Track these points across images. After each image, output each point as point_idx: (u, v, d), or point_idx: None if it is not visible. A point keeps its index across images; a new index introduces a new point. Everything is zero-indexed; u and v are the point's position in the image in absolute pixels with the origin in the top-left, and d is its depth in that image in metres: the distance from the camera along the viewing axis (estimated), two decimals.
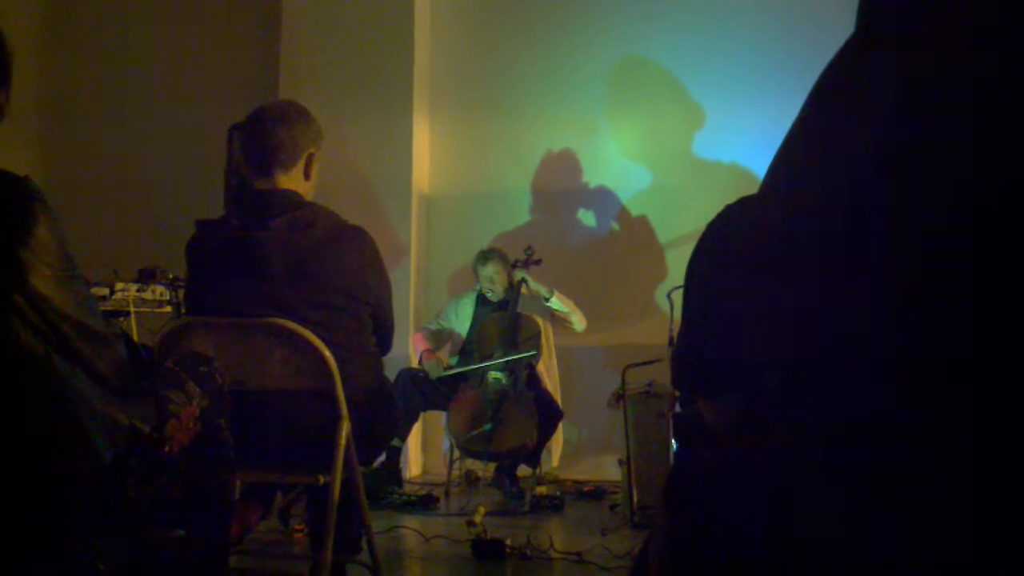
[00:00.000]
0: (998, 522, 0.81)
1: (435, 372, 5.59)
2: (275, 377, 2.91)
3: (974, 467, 0.81)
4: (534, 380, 5.59)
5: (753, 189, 1.10)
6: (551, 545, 3.96)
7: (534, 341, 5.65)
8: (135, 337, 3.41)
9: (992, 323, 0.80)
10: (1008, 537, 0.80)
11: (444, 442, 6.08)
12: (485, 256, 5.92)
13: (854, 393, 0.88)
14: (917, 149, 0.85)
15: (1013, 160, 0.79)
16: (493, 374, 5.53)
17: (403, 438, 5.59)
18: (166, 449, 2.11)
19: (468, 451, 5.44)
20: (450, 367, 5.70)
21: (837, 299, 0.89)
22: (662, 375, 4.72)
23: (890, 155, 0.87)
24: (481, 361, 5.60)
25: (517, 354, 5.55)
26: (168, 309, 4.97)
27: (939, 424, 0.83)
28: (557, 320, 5.98)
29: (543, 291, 5.83)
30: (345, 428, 2.86)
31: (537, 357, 5.65)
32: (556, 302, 5.86)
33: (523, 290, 5.80)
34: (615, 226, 6.74)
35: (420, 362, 5.71)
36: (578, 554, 3.85)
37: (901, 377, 0.84)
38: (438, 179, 6.90)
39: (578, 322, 5.96)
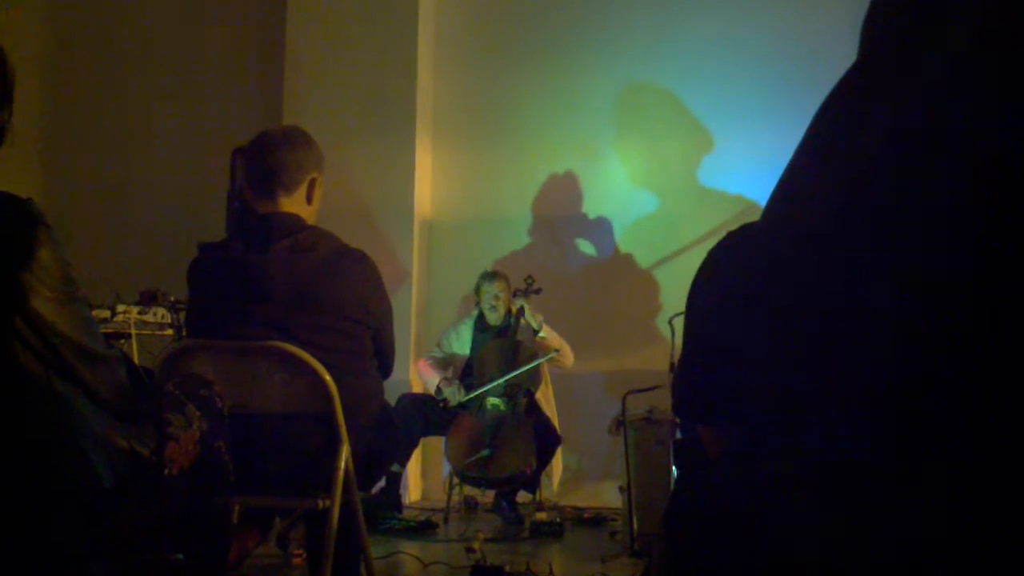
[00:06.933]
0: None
1: (456, 398, 5.54)
2: (275, 401, 2.91)
3: (976, 489, 0.81)
4: (533, 406, 5.56)
5: (755, 217, 1.10)
6: (550, 572, 3.94)
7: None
8: (136, 360, 3.41)
9: (996, 353, 0.80)
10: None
11: (444, 468, 6.05)
12: (492, 274, 5.90)
13: (852, 419, 0.88)
14: (916, 173, 0.85)
15: (1012, 183, 0.79)
16: (491, 400, 5.50)
17: (403, 463, 5.56)
18: (165, 472, 2.11)
19: (466, 477, 5.41)
20: (470, 389, 5.61)
21: (836, 327, 0.89)
22: (663, 402, 4.70)
23: (889, 180, 0.87)
24: (480, 386, 5.57)
25: (526, 367, 5.51)
26: (169, 332, 4.96)
27: (939, 450, 0.82)
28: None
29: (534, 324, 5.76)
30: (344, 452, 2.85)
31: (537, 383, 5.62)
32: (544, 336, 5.81)
33: (522, 319, 5.78)
34: (617, 252, 6.74)
35: (437, 391, 5.65)
36: None
37: (900, 404, 0.84)
38: (440, 204, 6.91)
39: (566, 358, 5.85)
